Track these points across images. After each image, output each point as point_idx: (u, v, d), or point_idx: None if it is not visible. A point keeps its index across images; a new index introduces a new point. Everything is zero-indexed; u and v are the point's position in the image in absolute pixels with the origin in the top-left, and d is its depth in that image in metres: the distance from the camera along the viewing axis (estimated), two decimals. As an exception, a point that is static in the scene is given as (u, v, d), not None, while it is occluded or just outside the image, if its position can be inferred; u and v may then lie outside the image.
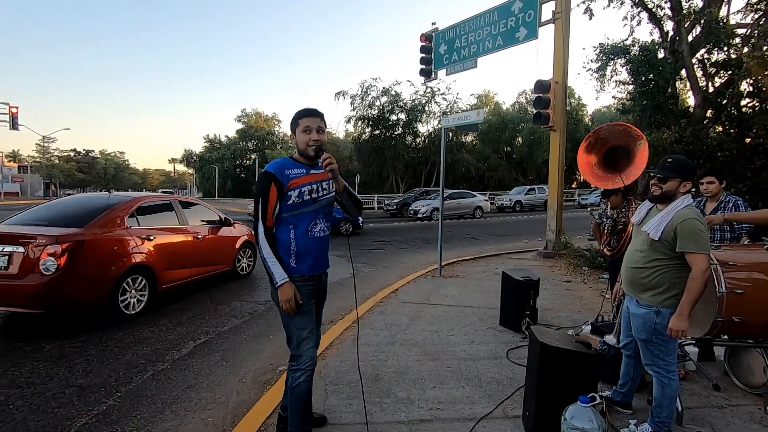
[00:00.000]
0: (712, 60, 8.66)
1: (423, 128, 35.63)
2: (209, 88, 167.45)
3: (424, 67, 11.88)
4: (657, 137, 7.70)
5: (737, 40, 8.36)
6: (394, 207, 22.74)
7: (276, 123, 57.44)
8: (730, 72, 8.10)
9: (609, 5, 9.98)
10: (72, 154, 65.42)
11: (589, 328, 3.76)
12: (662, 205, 2.37)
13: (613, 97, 16.17)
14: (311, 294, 2.25)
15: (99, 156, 69.77)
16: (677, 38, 8.68)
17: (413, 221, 19.07)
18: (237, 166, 56.51)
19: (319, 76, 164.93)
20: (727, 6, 8.86)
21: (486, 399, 2.93)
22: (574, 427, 2.13)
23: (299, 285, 2.17)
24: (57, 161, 61.28)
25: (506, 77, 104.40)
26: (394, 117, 33.90)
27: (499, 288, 4.67)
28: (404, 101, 33.72)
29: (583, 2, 9.88)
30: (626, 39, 9.27)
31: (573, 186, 37.12)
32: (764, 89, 7.25)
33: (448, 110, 32.43)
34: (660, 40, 9.19)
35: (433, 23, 11.67)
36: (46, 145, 55.67)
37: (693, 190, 2.49)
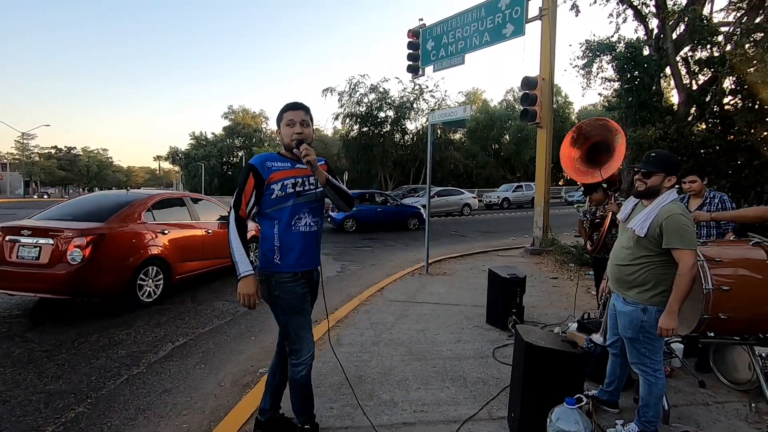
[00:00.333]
0: (696, 57, 8.74)
1: (411, 125, 35.54)
2: (195, 84, 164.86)
3: (411, 63, 11.80)
4: (642, 134, 7.74)
5: (720, 38, 8.44)
6: None
7: (263, 120, 56.85)
8: (713, 69, 8.16)
9: (595, 2, 10.03)
10: (53, 151, 63.60)
11: (575, 325, 3.73)
12: (647, 200, 2.33)
13: (599, 94, 16.33)
14: (306, 293, 2.22)
15: (81, 153, 67.94)
16: (662, 36, 8.74)
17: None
18: (224, 164, 55.79)
19: (306, 72, 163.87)
20: (710, 4, 8.98)
21: (471, 400, 2.87)
22: (560, 429, 2.07)
23: (292, 286, 2.14)
24: (37, 158, 59.68)
25: (494, 75, 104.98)
26: (382, 114, 33.68)
27: (486, 285, 4.62)
28: (392, 98, 33.52)
29: (570, -2, 9.90)
30: (612, 36, 9.34)
31: (560, 183, 37.44)
32: (747, 87, 7.32)
33: (436, 107, 32.32)
34: (645, 37, 9.26)
35: (421, 19, 11.61)
36: (25, 142, 54.21)
37: (677, 186, 2.46)
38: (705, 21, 8.23)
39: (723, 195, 3.18)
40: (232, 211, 2.11)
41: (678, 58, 8.68)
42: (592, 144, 3.31)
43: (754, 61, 6.89)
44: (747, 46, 7.43)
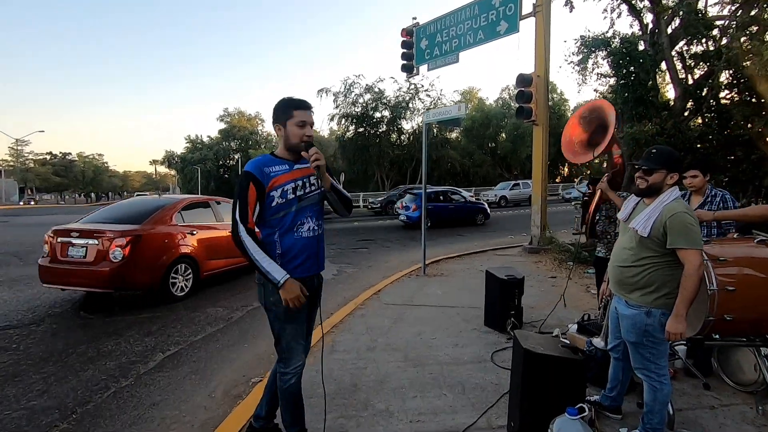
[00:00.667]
0: (692, 52, 8.67)
1: (407, 125, 35.46)
2: (189, 88, 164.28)
3: (405, 62, 11.68)
4: (639, 130, 7.67)
5: (716, 31, 8.37)
6: (378, 205, 22.50)
7: (259, 122, 56.45)
8: (709, 64, 8.10)
9: (589, -3, 9.93)
10: (48, 157, 63.22)
11: (575, 327, 3.63)
12: (649, 199, 2.24)
13: (594, 90, 16.24)
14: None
15: (77, 159, 67.55)
16: (657, 31, 8.65)
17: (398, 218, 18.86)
18: (220, 167, 55.39)
19: (301, 72, 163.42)
20: (705, -2, 8.88)
21: (469, 408, 2.77)
22: (562, 440, 1.98)
23: None
24: (32, 165, 59.27)
25: (489, 73, 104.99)
26: (378, 114, 33.58)
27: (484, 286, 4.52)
28: (388, 98, 33.42)
29: (563, -6, 9.80)
30: (607, 31, 9.22)
31: (557, 180, 37.42)
32: (743, 80, 7.25)
33: (432, 106, 32.26)
34: (640, 32, 9.17)
35: (414, 18, 11.51)
36: (19, 148, 53.87)
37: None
38: (700, 15, 8.14)
39: (725, 193, 3.07)
40: (240, 225, 1.97)
41: (673, 53, 8.60)
42: (593, 130, 3.30)
43: (750, 54, 6.82)
44: (743, 39, 7.37)
